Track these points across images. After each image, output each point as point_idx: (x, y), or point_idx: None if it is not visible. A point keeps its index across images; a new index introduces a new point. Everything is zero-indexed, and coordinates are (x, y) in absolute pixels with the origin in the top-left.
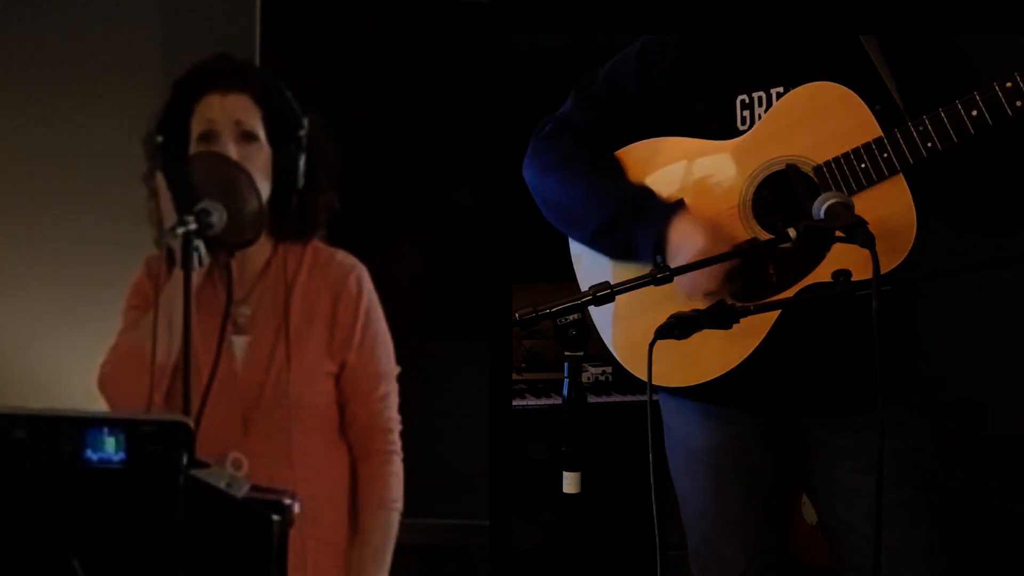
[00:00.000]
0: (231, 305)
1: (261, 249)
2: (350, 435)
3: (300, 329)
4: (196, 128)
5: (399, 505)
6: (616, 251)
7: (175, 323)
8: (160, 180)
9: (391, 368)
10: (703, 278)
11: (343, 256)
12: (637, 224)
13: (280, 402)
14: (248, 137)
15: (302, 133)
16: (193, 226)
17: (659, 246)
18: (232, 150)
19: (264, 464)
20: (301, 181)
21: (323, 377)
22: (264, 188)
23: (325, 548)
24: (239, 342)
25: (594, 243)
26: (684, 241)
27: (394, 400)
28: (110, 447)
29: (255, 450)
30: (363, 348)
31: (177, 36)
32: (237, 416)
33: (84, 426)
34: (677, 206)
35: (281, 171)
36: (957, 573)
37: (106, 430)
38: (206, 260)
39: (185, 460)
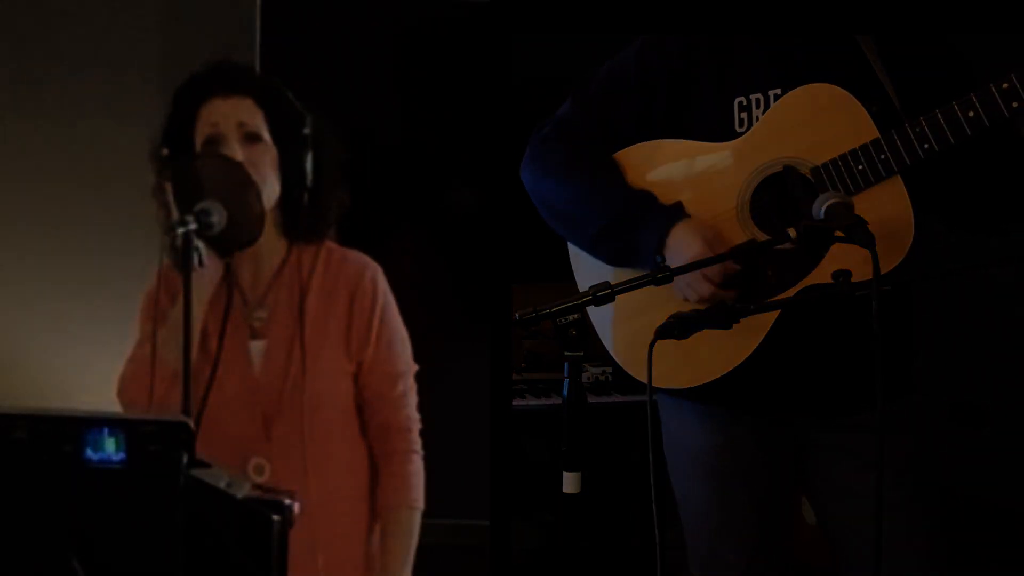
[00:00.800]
0: (230, 308)
1: (275, 251)
2: (370, 434)
3: (316, 330)
4: (201, 134)
5: (420, 504)
6: (616, 256)
7: (192, 330)
8: (169, 192)
9: (408, 366)
10: (697, 284)
11: (357, 256)
12: (638, 229)
13: (300, 404)
14: (253, 138)
15: (306, 131)
16: (193, 226)
17: (659, 250)
18: (238, 152)
19: (286, 467)
20: (310, 179)
21: (341, 377)
22: (274, 189)
23: (346, 548)
24: (256, 346)
25: (594, 248)
26: (680, 248)
27: (412, 399)
28: (110, 447)
29: (278, 453)
30: (380, 347)
31: (178, 42)
32: (258, 420)
33: (84, 426)
34: (677, 211)
35: (289, 170)
36: (957, 573)
37: (106, 430)
38: (208, 261)
39: (185, 460)
